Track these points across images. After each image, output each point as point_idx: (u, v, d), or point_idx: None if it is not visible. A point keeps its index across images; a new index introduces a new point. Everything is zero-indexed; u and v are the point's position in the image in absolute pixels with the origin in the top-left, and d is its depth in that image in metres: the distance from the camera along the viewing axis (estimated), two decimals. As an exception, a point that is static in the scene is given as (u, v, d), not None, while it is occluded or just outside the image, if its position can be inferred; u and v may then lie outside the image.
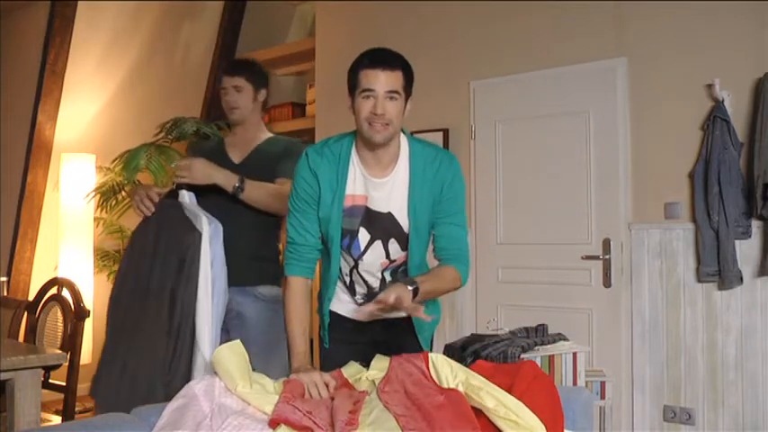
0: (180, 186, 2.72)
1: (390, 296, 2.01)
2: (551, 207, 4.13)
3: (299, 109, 5.89)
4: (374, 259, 2.27)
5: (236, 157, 3.00)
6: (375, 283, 2.33)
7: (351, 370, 2.12)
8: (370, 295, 2.32)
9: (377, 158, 2.21)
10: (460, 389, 1.91)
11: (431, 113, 4.56)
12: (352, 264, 2.29)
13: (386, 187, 2.22)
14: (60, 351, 3.11)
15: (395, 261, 2.29)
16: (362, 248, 2.25)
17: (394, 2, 4.89)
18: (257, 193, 2.79)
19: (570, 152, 4.07)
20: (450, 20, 4.61)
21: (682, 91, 3.73)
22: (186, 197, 2.71)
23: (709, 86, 3.60)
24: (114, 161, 5.39)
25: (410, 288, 2.07)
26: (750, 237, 3.52)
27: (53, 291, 3.64)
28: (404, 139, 2.26)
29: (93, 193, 5.30)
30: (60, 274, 4.93)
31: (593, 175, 3.99)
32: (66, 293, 3.55)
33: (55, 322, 3.57)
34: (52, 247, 5.37)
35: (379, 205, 2.23)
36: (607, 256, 3.94)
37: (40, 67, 5.26)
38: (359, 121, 2.15)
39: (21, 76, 5.41)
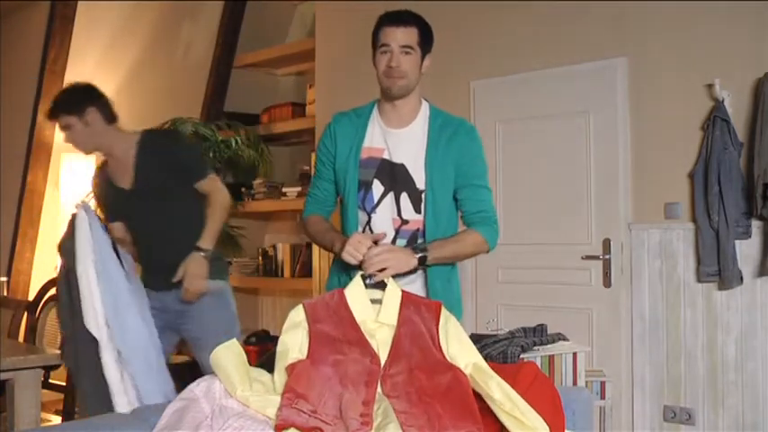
0: None
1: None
2: (551, 207, 4.13)
3: (299, 109, 5.87)
4: (386, 215, 2.32)
5: None
6: None
7: (364, 316, 1.99)
8: None
9: (396, 110, 2.35)
10: (468, 371, 1.89)
11: (431, 113, 4.56)
12: (366, 220, 2.34)
13: (401, 137, 2.34)
14: (60, 351, 3.11)
15: (407, 223, 2.33)
16: (376, 201, 2.32)
17: (394, 2, 4.87)
18: None
19: (570, 152, 4.06)
20: (451, 20, 4.60)
21: (682, 91, 3.72)
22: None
23: (710, 86, 3.60)
24: (114, 161, 5.39)
25: (417, 255, 2.19)
26: (750, 237, 3.52)
27: (53, 291, 3.64)
28: (425, 103, 2.42)
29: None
30: (60, 274, 4.92)
31: (593, 175, 3.99)
32: (66, 293, 3.54)
33: (55, 322, 3.57)
34: (52, 247, 5.34)
35: (394, 155, 2.34)
36: (607, 256, 3.94)
37: (40, 67, 5.25)
38: (378, 75, 2.33)
39: (21, 76, 5.40)
